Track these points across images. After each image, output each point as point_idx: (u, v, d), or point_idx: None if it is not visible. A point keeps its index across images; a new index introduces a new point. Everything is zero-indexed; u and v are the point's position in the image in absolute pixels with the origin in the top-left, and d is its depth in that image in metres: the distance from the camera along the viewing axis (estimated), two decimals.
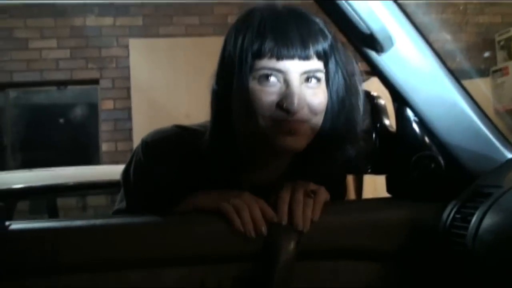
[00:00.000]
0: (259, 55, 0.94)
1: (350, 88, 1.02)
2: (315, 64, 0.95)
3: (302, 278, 0.97)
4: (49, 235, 0.94)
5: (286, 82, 0.94)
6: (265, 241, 0.93)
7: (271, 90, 0.94)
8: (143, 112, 4.39)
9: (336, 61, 0.99)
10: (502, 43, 4.65)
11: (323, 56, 0.97)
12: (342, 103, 1.01)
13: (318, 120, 0.98)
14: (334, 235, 0.98)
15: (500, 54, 4.67)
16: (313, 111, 0.96)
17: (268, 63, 0.93)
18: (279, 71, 0.94)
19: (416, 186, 1.02)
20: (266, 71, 0.94)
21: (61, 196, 2.94)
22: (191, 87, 4.18)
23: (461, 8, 4.73)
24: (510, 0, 4.91)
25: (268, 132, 0.95)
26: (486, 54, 4.68)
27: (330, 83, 0.99)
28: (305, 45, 0.94)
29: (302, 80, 0.95)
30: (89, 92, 4.71)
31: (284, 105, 0.92)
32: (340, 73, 1.00)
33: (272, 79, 0.94)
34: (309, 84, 0.96)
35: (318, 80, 0.96)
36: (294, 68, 0.94)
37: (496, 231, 0.82)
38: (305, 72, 0.95)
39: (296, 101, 0.92)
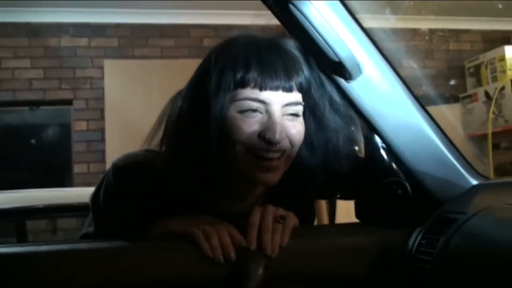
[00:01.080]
0: (242, 84, 0.93)
1: (326, 117, 1.03)
2: (296, 96, 0.96)
3: None
4: (15, 260, 0.92)
5: (268, 113, 0.94)
6: (234, 266, 0.93)
7: (253, 121, 0.94)
8: (117, 134, 4.35)
9: (314, 92, 1.01)
10: (471, 70, 4.76)
11: (303, 88, 0.98)
12: (317, 134, 1.02)
13: (293, 153, 0.99)
14: (303, 260, 0.98)
15: (470, 81, 4.78)
16: (291, 143, 0.97)
17: (251, 93, 0.93)
18: (262, 102, 0.94)
19: (383, 212, 1.04)
20: (249, 102, 0.94)
21: (31, 219, 2.88)
22: None
23: (431, 34, 4.85)
24: (479, 25, 5.05)
25: (246, 168, 0.96)
26: (453, 82, 4.78)
27: (307, 114, 1.00)
28: (288, 77, 0.95)
29: (283, 112, 0.96)
30: (62, 113, 4.65)
31: (267, 136, 0.93)
32: (317, 105, 1.01)
33: (254, 110, 0.94)
34: (289, 117, 0.97)
35: (297, 112, 0.98)
36: (276, 99, 0.94)
37: (460, 256, 0.84)
38: (286, 104, 0.95)
39: (278, 132, 0.93)
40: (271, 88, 0.93)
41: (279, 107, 0.95)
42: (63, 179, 4.59)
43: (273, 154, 0.95)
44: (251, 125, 0.94)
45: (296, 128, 0.97)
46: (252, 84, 0.93)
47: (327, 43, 0.94)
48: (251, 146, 0.94)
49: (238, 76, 0.93)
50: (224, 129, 0.95)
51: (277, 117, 0.94)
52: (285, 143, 0.96)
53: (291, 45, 1.00)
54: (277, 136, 0.93)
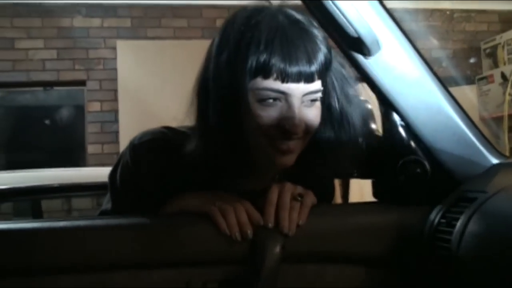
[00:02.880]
0: (264, 74, 0.90)
1: (343, 97, 1.01)
2: (317, 84, 0.94)
3: (287, 281, 0.97)
4: (34, 236, 0.93)
5: (288, 103, 0.92)
6: (251, 244, 0.93)
7: (272, 110, 0.93)
8: (130, 114, 4.37)
9: (332, 74, 0.99)
10: (487, 51, 4.70)
11: (323, 73, 0.95)
12: (332, 111, 1.01)
13: (309, 135, 0.98)
14: (320, 239, 0.98)
15: (486, 62, 4.72)
16: (307, 128, 0.95)
17: (273, 84, 0.91)
18: (283, 92, 0.92)
19: (402, 191, 1.03)
20: (269, 93, 0.91)
21: (46, 198, 2.91)
22: (178, 90, 4.10)
23: (447, 14, 4.78)
24: (496, 5, 4.97)
25: (265, 150, 0.95)
26: (468, 63, 4.72)
27: (325, 96, 0.99)
28: (310, 65, 0.91)
29: (303, 101, 0.94)
30: (75, 94, 4.67)
31: (286, 126, 0.92)
32: (334, 85, 1.00)
33: (274, 98, 0.92)
34: (308, 103, 0.95)
35: (317, 99, 0.96)
36: (297, 89, 0.92)
37: (480, 235, 0.83)
38: (307, 93, 0.93)
39: (297, 122, 0.92)
40: (293, 80, 0.91)
41: (299, 97, 0.93)
42: (77, 160, 4.63)
43: (292, 142, 0.95)
44: (270, 114, 0.93)
45: (312, 112, 0.96)
46: (275, 75, 0.90)
47: (346, 19, 0.92)
48: (269, 134, 0.94)
49: (260, 63, 0.90)
50: (243, 116, 0.93)
51: (297, 107, 0.92)
52: (303, 130, 0.94)
53: (311, 22, 0.97)
54: (297, 126, 0.92)
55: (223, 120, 0.94)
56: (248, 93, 0.92)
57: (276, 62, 0.89)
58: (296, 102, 0.92)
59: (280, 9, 0.97)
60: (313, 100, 0.95)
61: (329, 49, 0.96)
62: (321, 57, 0.93)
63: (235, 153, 0.97)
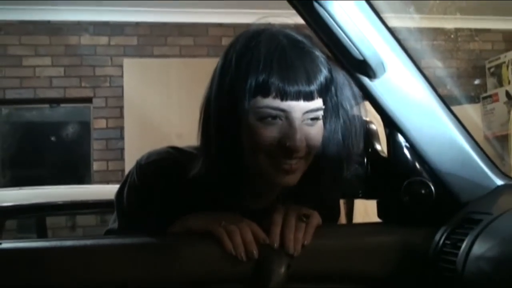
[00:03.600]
0: (263, 92, 0.92)
1: (346, 117, 1.02)
2: (317, 103, 0.95)
3: None
4: (41, 255, 0.94)
5: (289, 121, 0.94)
6: (256, 264, 0.93)
7: (272, 128, 0.94)
8: (136, 132, 4.39)
9: (334, 94, 1.00)
10: (492, 70, 4.71)
11: (323, 92, 0.96)
12: (337, 131, 1.01)
13: (312, 154, 0.99)
14: (325, 259, 0.98)
15: (490, 81, 4.73)
16: (309, 146, 0.96)
17: (273, 102, 0.92)
18: (283, 110, 0.93)
19: (407, 212, 1.03)
20: (269, 111, 0.93)
21: (51, 215, 2.92)
22: (183, 108, 4.17)
23: (451, 33, 4.80)
24: (500, 24, 4.99)
25: (266, 170, 0.96)
26: (477, 81, 4.73)
27: (328, 116, 1.00)
28: (310, 86, 0.93)
29: (304, 119, 0.95)
30: (82, 111, 4.70)
31: (287, 144, 0.92)
32: (336, 105, 1.01)
33: (274, 117, 0.93)
34: (309, 122, 0.96)
35: (318, 118, 0.97)
36: (297, 107, 0.93)
37: (486, 257, 0.83)
38: (307, 112, 0.95)
39: (298, 140, 0.92)
40: (292, 98, 0.92)
41: (300, 115, 0.94)
42: (82, 177, 4.64)
43: (293, 161, 0.95)
44: (271, 132, 0.94)
45: (314, 131, 0.97)
46: (274, 94, 0.92)
47: (351, 41, 0.93)
48: (271, 152, 0.94)
49: (259, 83, 0.92)
50: (245, 135, 0.95)
51: (298, 125, 0.93)
52: (304, 150, 0.95)
53: (312, 43, 0.99)
54: (298, 145, 0.92)
55: (224, 140, 0.96)
56: (249, 113, 0.93)
57: (275, 81, 0.91)
58: (296, 120, 0.93)
59: (281, 30, 0.99)
60: (314, 119, 0.96)
61: (330, 69, 0.98)
62: (321, 77, 0.95)
63: (236, 173, 0.98)
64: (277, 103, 0.92)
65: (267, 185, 1.03)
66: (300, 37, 0.98)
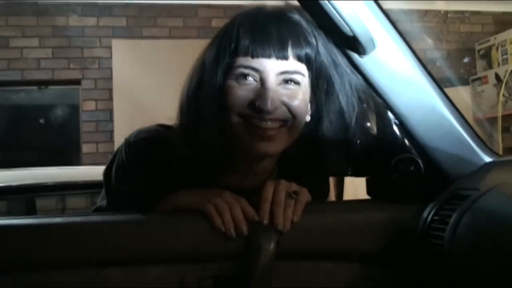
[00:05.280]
0: (235, 53, 0.95)
1: (338, 92, 1.02)
2: (294, 65, 0.96)
3: (282, 277, 0.97)
4: (29, 232, 0.93)
5: (262, 81, 0.95)
6: (246, 240, 0.93)
7: (246, 88, 0.95)
8: (125, 114, 4.36)
9: (322, 66, 1.00)
10: (481, 52, 4.72)
11: (304, 59, 0.97)
12: (327, 108, 1.01)
13: (297, 124, 0.98)
14: (314, 236, 0.98)
15: (480, 63, 4.74)
16: (290, 112, 0.96)
17: (244, 61, 0.94)
18: (255, 69, 0.94)
19: (395, 188, 1.04)
20: (242, 69, 0.95)
21: (40, 196, 2.90)
22: (173, 89, 4.11)
23: (441, 15, 4.79)
24: (491, 7, 4.99)
25: (241, 137, 0.96)
26: (466, 60, 4.74)
27: (315, 88, 1.00)
28: (283, 45, 0.94)
29: (279, 81, 0.95)
30: (70, 93, 4.66)
31: (257, 104, 0.93)
32: (326, 78, 1.01)
33: (249, 77, 0.95)
34: (287, 85, 0.96)
35: (297, 82, 0.97)
36: (270, 67, 0.94)
37: (473, 232, 0.84)
38: (282, 73, 0.95)
39: (269, 100, 0.93)
40: (263, 56, 0.94)
41: (274, 75, 0.95)
42: (72, 159, 4.62)
43: (268, 123, 0.95)
44: (244, 91, 0.95)
45: (295, 97, 0.97)
46: (244, 52, 0.94)
47: (342, 18, 0.93)
48: (244, 113, 0.95)
49: (232, 45, 0.95)
50: (222, 97, 0.96)
51: (270, 84, 0.94)
52: (281, 112, 0.95)
53: (300, 17, 0.99)
54: (268, 104, 0.93)
55: (207, 105, 0.97)
56: (226, 74, 0.96)
57: (245, 41, 0.94)
58: (269, 79, 0.94)
59: (268, 6, 1.00)
60: (291, 82, 0.96)
61: (317, 41, 0.98)
62: (301, 43, 0.96)
63: (218, 140, 0.98)
64: (248, 61, 0.94)
65: (251, 158, 1.02)
66: (286, 11, 1.00)
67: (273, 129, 0.95)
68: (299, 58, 0.96)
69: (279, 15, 0.98)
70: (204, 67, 0.99)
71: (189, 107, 1.01)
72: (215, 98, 0.96)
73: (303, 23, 0.99)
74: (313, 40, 0.98)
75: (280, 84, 0.95)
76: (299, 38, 0.96)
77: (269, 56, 0.94)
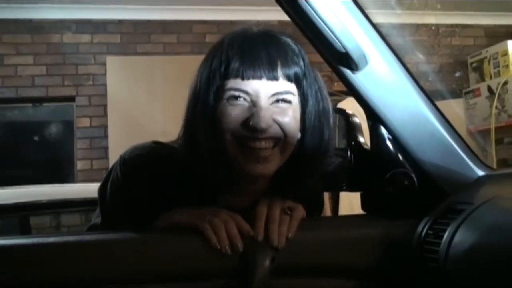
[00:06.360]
0: (226, 75, 0.95)
1: (323, 110, 1.03)
2: (284, 85, 0.97)
3: None
4: (23, 252, 0.93)
5: (253, 102, 0.95)
6: (241, 257, 0.93)
7: (238, 109, 0.95)
8: (120, 130, 4.36)
9: (310, 84, 1.01)
10: (474, 65, 4.75)
11: (293, 79, 0.98)
12: (316, 125, 1.02)
13: (289, 142, 0.99)
14: (309, 252, 0.98)
15: (472, 76, 4.77)
16: (284, 131, 0.96)
17: (235, 83, 0.95)
18: (246, 92, 0.95)
19: (390, 203, 1.04)
20: (233, 92, 0.95)
21: (34, 214, 2.89)
22: (168, 105, 4.16)
23: (433, 29, 4.84)
24: (482, 20, 5.04)
25: (236, 158, 0.96)
26: (455, 77, 4.77)
27: (304, 106, 1.00)
28: (273, 66, 0.95)
29: (271, 102, 0.96)
30: (65, 110, 4.65)
31: (251, 123, 0.93)
32: (314, 96, 1.02)
33: (240, 99, 0.95)
34: (279, 104, 0.97)
35: (289, 102, 0.98)
36: (261, 89, 0.95)
37: (467, 246, 0.84)
38: (273, 94, 0.96)
39: (262, 119, 0.93)
40: (254, 78, 0.95)
41: (265, 97, 0.95)
42: (66, 176, 4.60)
43: (261, 143, 0.96)
44: (237, 112, 0.95)
45: (287, 116, 0.97)
46: (235, 75, 0.95)
47: (334, 34, 0.94)
48: (238, 135, 0.95)
49: (222, 68, 0.96)
50: (215, 119, 0.96)
51: (262, 104, 0.95)
52: (275, 131, 0.96)
53: (287, 38, 1.01)
54: (262, 123, 0.93)
55: (201, 126, 0.98)
56: (218, 96, 0.96)
57: (235, 64, 0.95)
58: (261, 100, 0.95)
59: (259, 26, 1.01)
60: (284, 101, 0.97)
61: (305, 60, 1.00)
62: (291, 63, 0.97)
63: (214, 160, 0.98)
64: (239, 83, 0.95)
65: (246, 179, 1.03)
66: (276, 32, 1.01)
67: (267, 149, 0.96)
68: (289, 78, 0.97)
69: (267, 36, 0.99)
70: (199, 86, 0.99)
71: (188, 126, 1.02)
72: (208, 118, 0.97)
73: (291, 43, 1.00)
74: (301, 60, 0.99)
75: (272, 104, 0.96)
76: (287, 58, 0.98)
77: (259, 78, 0.95)
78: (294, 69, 0.98)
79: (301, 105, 1.00)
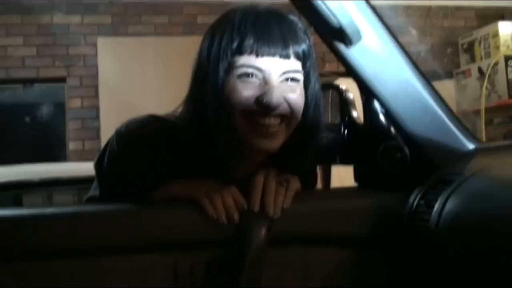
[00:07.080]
0: (239, 51, 0.95)
1: (319, 88, 1.05)
2: (294, 64, 0.98)
3: (273, 263, 1.00)
4: (22, 222, 0.94)
5: (265, 80, 0.96)
6: (237, 227, 0.95)
7: (250, 86, 0.96)
8: (111, 111, 4.34)
9: (312, 63, 1.02)
10: (465, 46, 4.77)
11: (301, 57, 0.99)
12: (316, 102, 1.04)
13: (295, 119, 1.00)
14: (304, 222, 1.01)
15: (463, 57, 4.79)
16: (291, 108, 0.98)
17: (248, 60, 0.95)
18: (259, 69, 0.95)
19: (382, 175, 1.06)
20: (245, 69, 0.95)
21: (27, 192, 2.89)
22: (159, 86, 4.16)
23: (425, 10, 4.84)
24: (473, 1, 5.05)
25: (245, 133, 0.97)
26: (446, 58, 4.79)
27: (307, 83, 1.02)
28: (285, 44, 0.96)
29: (281, 80, 0.97)
30: (56, 91, 4.63)
31: (264, 101, 0.94)
32: (314, 74, 1.03)
33: (252, 76, 0.96)
34: (288, 83, 0.98)
35: (297, 80, 0.99)
36: (273, 66, 0.95)
37: (457, 214, 0.86)
38: (284, 72, 0.97)
39: (275, 96, 0.94)
40: (268, 55, 0.95)
41: (277, 74, 0.96)
42: (58, 157, 4.59)
43: (271, 120, 0.97)
44: (249, 89, 0.96)
45: (295, 93, 0.99)
46: (249, 51, 0.95)
47: (328, 9, 0.95)
48: (249, 111, 0.96)
49: (235, 43, 0.95)
50: (225, 95, 0.96)
51: (274, 82, 0.96)
52: (284, 108, 0.97)
53: (294, 16, 1.02)
54: (274, 100, 0.94)
55: (210, 101, 0.98)
56: (229, 73, 0.96)
57: (249, 40, 0.94)
58: (273, 78, 0.96)
59: (261, 4, 1.01)
60: (293, 80, 0.98)
61: (309, 38, 1.00)
62: (299, 41, 0.98)
63: (222, 134, 0.99)
64: (253, 60, 0.95)
65: (249, 153, 1.04)
66: (280, 10, 1.01)
67: (275, 125, 0.97)
68: (298, 57, 0.98)
69: (277, 14, 0.99)
70: (207, 62, 0.99)
71: (194, 100, 1.02)
72: (218, 94, 0.96)
73: (298, 21, 1.01)
74: (307, 39, 1.00)
75: (282, 81, 0.97)
76: (297, 36, 0.98)
77: (273, 55, 0.95)
78: (302, 48, 0.98)
79: (304, 83, 1.01)
